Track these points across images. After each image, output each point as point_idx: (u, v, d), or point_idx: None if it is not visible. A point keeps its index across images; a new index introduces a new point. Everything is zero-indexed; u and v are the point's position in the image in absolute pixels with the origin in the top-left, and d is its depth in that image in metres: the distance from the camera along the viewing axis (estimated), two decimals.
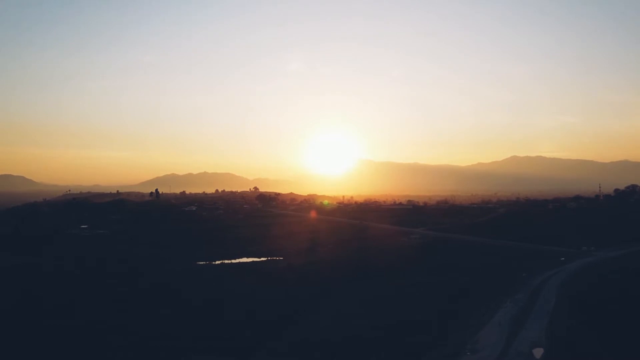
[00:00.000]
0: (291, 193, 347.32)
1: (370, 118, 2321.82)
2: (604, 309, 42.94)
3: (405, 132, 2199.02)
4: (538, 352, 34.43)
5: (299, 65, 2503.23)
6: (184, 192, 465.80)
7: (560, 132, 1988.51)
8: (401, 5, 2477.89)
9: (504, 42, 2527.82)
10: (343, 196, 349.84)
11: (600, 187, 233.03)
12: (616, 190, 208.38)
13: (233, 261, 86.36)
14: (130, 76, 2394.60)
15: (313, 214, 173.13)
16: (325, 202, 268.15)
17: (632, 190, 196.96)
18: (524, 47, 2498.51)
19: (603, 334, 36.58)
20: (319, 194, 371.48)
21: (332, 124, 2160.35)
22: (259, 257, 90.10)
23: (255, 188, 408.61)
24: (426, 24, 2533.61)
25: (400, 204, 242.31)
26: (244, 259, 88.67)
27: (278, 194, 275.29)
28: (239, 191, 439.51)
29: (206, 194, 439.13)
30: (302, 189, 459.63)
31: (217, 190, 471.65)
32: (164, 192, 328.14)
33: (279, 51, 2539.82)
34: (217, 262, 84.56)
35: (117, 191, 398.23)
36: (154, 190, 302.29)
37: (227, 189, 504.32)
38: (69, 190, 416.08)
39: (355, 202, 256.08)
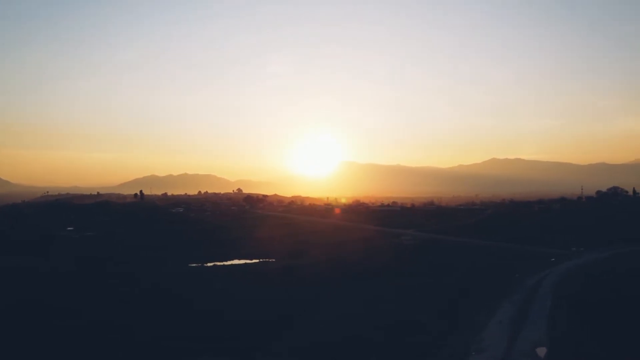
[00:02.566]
0: (276, 194, 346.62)
1: (353, 120, 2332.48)
2: (599, 309, 43.60)
3: (388, 134, 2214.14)
4: (541, 351, 34.81)
5: (282, 67, 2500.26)
6: (165, 193, 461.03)
7: (539, 134, 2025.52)
8: (384, 8, 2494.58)
9: (485, 45, 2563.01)
10: (327, 197, 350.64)
11: (582, 189, 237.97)
12: (598, 192, 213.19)
13: (225, 263, 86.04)
14: (109, 76, 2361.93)
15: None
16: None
17: (613, 192, 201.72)
18: (505, 51, 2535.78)
19: (600, 334, 37.15)
20: (303, 195, 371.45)
21: (315, 126, 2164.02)
22: (251, 259, 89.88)
23: (239, 189, 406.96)
24: (409, 27, 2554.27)
25: (388, 205, 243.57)
26: (236, 261, 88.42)
27: (266, 196, 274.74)
28: (222, 192, 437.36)
29: (189, 195, 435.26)
30: (286, 191, 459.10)
31: (200, 192, 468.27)
32: (145, 193, 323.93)
33: (262, 53, 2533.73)
34: (210, 264, 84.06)
35: (98, 192, 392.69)
36: (134, 192, 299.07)
37: (210, 191, 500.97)
38: (47, 192, 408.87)
39: (344, 204, 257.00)
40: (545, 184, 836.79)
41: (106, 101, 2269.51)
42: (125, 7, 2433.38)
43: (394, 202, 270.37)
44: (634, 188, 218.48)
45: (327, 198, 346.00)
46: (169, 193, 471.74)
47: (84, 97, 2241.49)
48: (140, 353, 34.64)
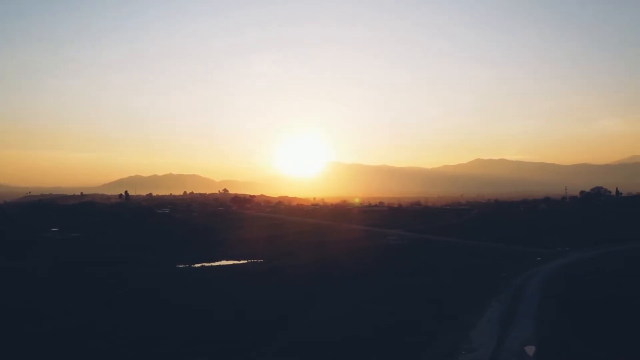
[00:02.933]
0: (262, 195, 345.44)
1: (339, 121, 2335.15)
2: (585, 308, 44.32)
3: (373, 135, 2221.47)
4: (530, 349, 35.28)
5: (267, 68, 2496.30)
6: (150, 194, 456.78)
7: (523, 135, 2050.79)
8: (370, 10, 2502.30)
9: (470, 47, 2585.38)
10: (314, 198, 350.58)
11: (566, 190, 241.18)
12: (582, 192, 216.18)
13: (213, 264, 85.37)
14: (93, 75, 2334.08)
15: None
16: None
17: (597, 192, 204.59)
18: (490, 53, 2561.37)
19: (587, 333, 37.73)
20: (290, 195, 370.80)
21: (301, 127, 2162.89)
22: (239, 260, 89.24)
23: (225, 190, 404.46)
24: (394, 29, 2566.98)
25: (376, 205, 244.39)
26: (224, 262, 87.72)
27: (253, 196, 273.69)
28: (208, 193, 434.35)
29: (174, 195, 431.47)
30: (272, 191, 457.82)
31: (185, 192, 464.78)
32: (130, 194, 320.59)
33: (249, 53, 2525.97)
34: (198, 265, 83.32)
35: (81, 193, 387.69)
36: (119, 192, 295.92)
37: (195, 191, 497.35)
38: (30, 192, 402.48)
39: (332, 204, 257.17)
40: (528, 184, 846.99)
41: (90, 101, 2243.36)
42: (110, 7, 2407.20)
43: (380, 203, 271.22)
44: (617, 188, 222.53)
45: (314, 198, 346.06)
46: (154, 193, 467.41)
47: (68, 97, 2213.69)
48: (128, 357, 34.23)
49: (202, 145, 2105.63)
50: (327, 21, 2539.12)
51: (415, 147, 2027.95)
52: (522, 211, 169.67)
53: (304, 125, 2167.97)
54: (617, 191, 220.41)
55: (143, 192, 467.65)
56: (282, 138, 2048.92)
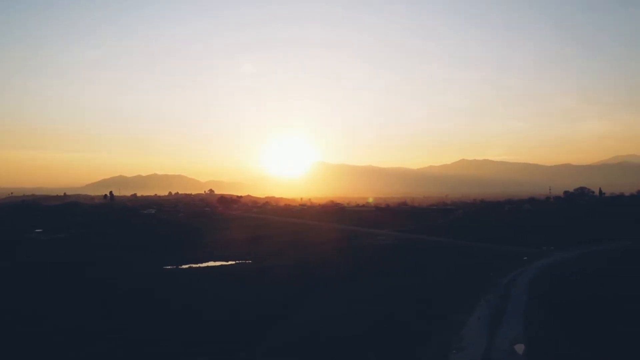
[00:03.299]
0: (249, 195, 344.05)
1: (325, 121, 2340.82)
2: (571, 307, 44.87)
3: (359, 136, 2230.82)
4: (520, 348, 35.69)
5: (253, 68, 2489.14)
6: (135, 194, 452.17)
7: (507, 136, 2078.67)
8: (355, 11, 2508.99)
9: (456, 49, 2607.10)
10: (301, 198, 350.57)
11: (550, 190, 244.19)
12: (565, 192, 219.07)
13: (201, 265, 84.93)
14: (76, 75, 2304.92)
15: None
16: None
17: (580, 192, 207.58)
18: (475, 55, 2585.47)
19: (573, 332, 38.17)
20: (276, 196, 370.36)
21: (287, 127, 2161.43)
22: (227, 261, 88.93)
23: (211, 190, 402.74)
24: (380, 30, 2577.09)
25: (363, 205, 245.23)
26: (212, 263, 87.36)
27: (240, 197, 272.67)
28: (194, 193, 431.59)
29: (159, 196, 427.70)
30: (258, 191, 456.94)
31: (170, 193, 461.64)
32: (114, 194, 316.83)
33: (235, 53, 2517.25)
34: (186, 267, 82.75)
35: (65, 193, 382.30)
36: (102, 193, 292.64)
37: (181, 192, 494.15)
38: (12, 193, 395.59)
39: (320, 205, 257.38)
40: (512, 184, 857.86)
41: (73, 100, 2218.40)
42: (95, 6, 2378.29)
43: (367, 203, 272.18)
44: (600, 188, 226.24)
45: (301, 199, 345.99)
46: (139, 194, 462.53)
47: (50, 96, 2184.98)
48: (122, 358, 34.03)
49: (187, 145, 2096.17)
50: (315, 22, 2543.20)
51: (401, 148, 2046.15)
52: (507, 211, 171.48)
53: (290, 126, 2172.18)
54: (600, 191, 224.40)
55: (127, 193, 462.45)
56: (269, 138, 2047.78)
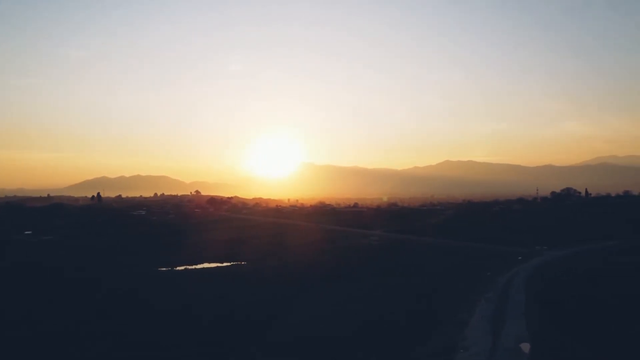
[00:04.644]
0: (236, 196, 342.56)
1: (311, 121, 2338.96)
2: (570, 306, 45.43)
3: (345, 136, 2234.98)
4: (525, 346, 35.87)
5: (239, 68, 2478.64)
6: (120, 195, 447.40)
7: (491, 137, 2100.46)
8: (342, 12, 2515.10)
9: (441, 50, 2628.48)
10: (289, 199, 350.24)
11: (537, 190, 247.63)
12: (552, 192, 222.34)
13: (196, 267, 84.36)
14: (58, 73, 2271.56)
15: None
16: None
17: (567, 193, 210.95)
18: (459, 56, 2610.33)
19: (575, 331, 38.42)
20: (265, 197, 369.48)
21: (272, 127, 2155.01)
22: (222, 262, 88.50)
23: (197, 191, 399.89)
24: (366, 31, 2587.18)
25: (354, 206, 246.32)
26: (206, 265, 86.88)
27: (230, 198, 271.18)
28: (180, 194, 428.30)
29: (145, 197, 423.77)
30: (244, 192, 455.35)
31: (156, 194, 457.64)
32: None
33: (220, 52, 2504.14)
34: (180, 268, 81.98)
35: (48, 195, 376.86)
36: (85, 194, 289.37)
37: (166, 192, 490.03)
38: None
39: (310, 205, 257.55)
40: (496, 185, 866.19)
41: (56, 100, 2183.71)
42: (78, 5, 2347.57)
43: (355, 204, 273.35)
44: (586, 189, 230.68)
45: (289, 200, 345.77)
46: (122, 195, 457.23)
47: (32, 96, 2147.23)
48: None
49: (171, 145, 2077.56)
50: (301, 23, 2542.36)
51: (386, 149, 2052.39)
52: (496, 211, 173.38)
53: (276, 126, 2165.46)
54: (586, 192, 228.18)
55: (111, 194, 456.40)
56: (254, 139, 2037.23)
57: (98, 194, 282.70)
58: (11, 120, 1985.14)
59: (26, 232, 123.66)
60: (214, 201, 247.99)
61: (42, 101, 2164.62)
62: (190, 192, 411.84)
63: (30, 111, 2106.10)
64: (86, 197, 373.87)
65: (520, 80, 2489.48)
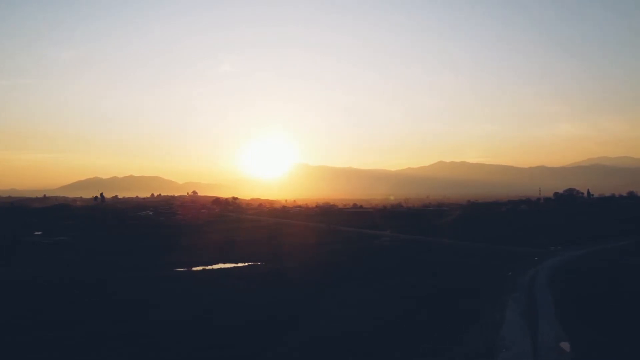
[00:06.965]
0: (234, 197, 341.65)
1: (305, 122, 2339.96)
2: (597, 305, 45.90)
3: (339, 137, 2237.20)
4: (565, 345, 36.32)
5: (232, 69, 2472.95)
6: (116, 196, 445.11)
7: (484, 139, 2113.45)
8: (336, 13, 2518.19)
9: (434, 51, 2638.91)
10: (286, 200, 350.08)
11: (540, 191, 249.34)
12: (555, 193, 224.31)
13: (214, 267, 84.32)
14: (50, 74, 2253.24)
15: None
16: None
17: (569, 193, 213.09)
18: (453, 58, 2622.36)
19: (607, 328, 38.88)
20: (262, 197, 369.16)
21: (267, 128, 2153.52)
22: (237, 263, 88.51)
23: (194, 192, 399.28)
24: (360, 32, 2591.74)
25: (360, 207, 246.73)
26: (221, 265, 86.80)
27: (235, 199, 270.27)
28: (177, 195, 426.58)
29: (141, 198, 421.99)
30: (237, 193, 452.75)
31: (152, 195, 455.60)
32: (92, 196, 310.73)
33: (214, 53, 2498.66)
34: (198, 269, 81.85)
35: (44, 195, 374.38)
36: (78, 194, 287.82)
37: (162, 193, 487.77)
38: None
39: (316, 206, 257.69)
40: (489, 186, 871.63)
41: (48, 101, 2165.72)
42: (70, 6, 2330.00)
43: (355, 204, 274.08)
44: (588, 190, 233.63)
45: (286, 200, 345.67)
46: (119, 195, 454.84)
47: (25, 97, 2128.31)
48: None
49: (164, 146, 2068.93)
50: (294, 23, 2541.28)
51: (380, 150, 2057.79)
52: (504, 212, 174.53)
53: (270, 127, 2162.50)
54: (588, 192, 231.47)
55: (106, 194, 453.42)
56: (248, 139, 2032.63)
57: (101, 194, 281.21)
58: (3, 122, 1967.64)
59: (36, 233, 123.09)
60: (220, 202, 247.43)
61: (35, 102, 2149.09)
62: (187, 193, 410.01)
63: (23, 112, 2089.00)
64: (82, 197, 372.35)
65: (513, 82, 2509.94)
